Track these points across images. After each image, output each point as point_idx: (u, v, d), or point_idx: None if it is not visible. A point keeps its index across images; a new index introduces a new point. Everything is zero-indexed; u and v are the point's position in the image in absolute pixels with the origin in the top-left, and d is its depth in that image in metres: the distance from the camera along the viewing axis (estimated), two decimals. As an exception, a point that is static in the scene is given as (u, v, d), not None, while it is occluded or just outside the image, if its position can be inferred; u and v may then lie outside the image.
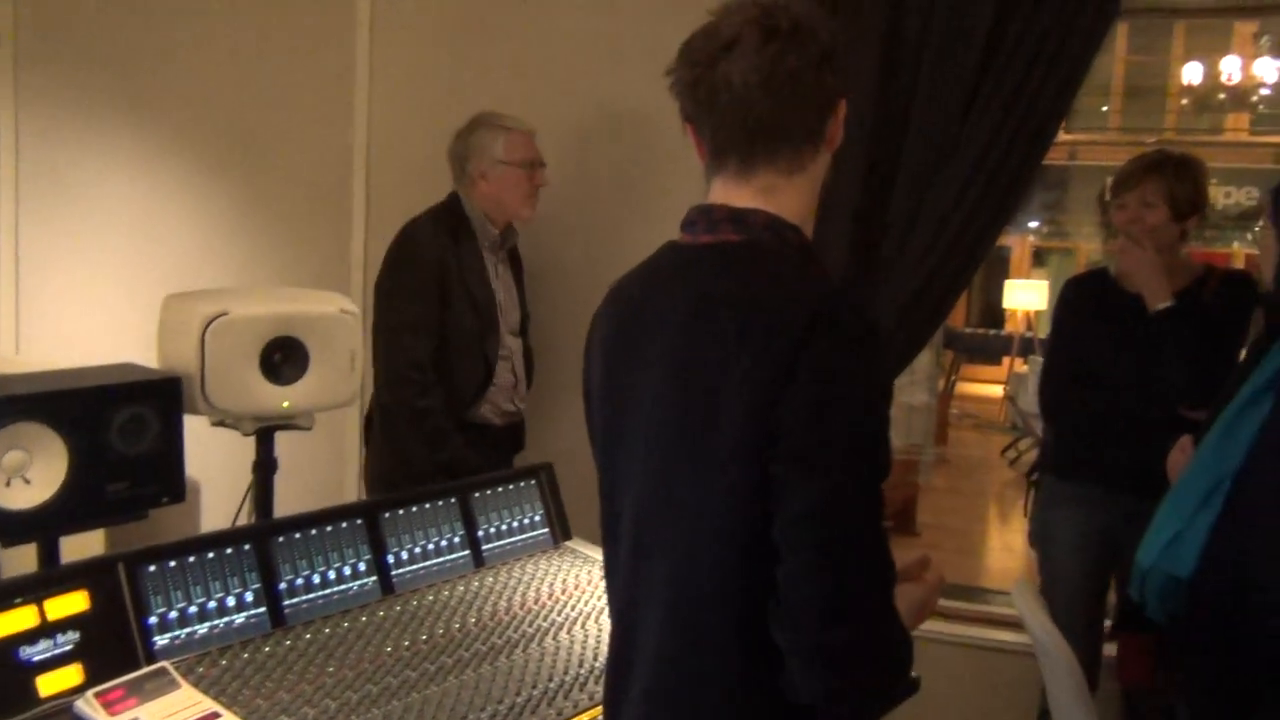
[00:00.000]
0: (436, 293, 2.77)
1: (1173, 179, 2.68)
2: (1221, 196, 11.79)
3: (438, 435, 2.75)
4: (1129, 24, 8.42)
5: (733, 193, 1.24)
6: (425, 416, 2.74)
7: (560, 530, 2.24)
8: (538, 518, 2.21)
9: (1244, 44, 11.33)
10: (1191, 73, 11.40)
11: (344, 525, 1.91)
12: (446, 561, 2.04)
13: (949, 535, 6.89)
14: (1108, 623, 2.79)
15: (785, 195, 1.23)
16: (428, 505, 2.05)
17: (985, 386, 12.00)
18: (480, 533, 2.11)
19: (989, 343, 11.72)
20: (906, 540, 6.59)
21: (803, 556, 1.10)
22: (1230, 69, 11.06)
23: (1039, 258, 14.30)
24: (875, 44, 2.71)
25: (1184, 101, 11.98)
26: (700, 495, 1.17)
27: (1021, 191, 2.69)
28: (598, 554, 2.07)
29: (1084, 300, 2.91)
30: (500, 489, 2.18)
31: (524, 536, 2.18)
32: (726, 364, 1.14)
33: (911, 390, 7.55)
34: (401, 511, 2.00)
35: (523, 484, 2.22)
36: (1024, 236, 14.22)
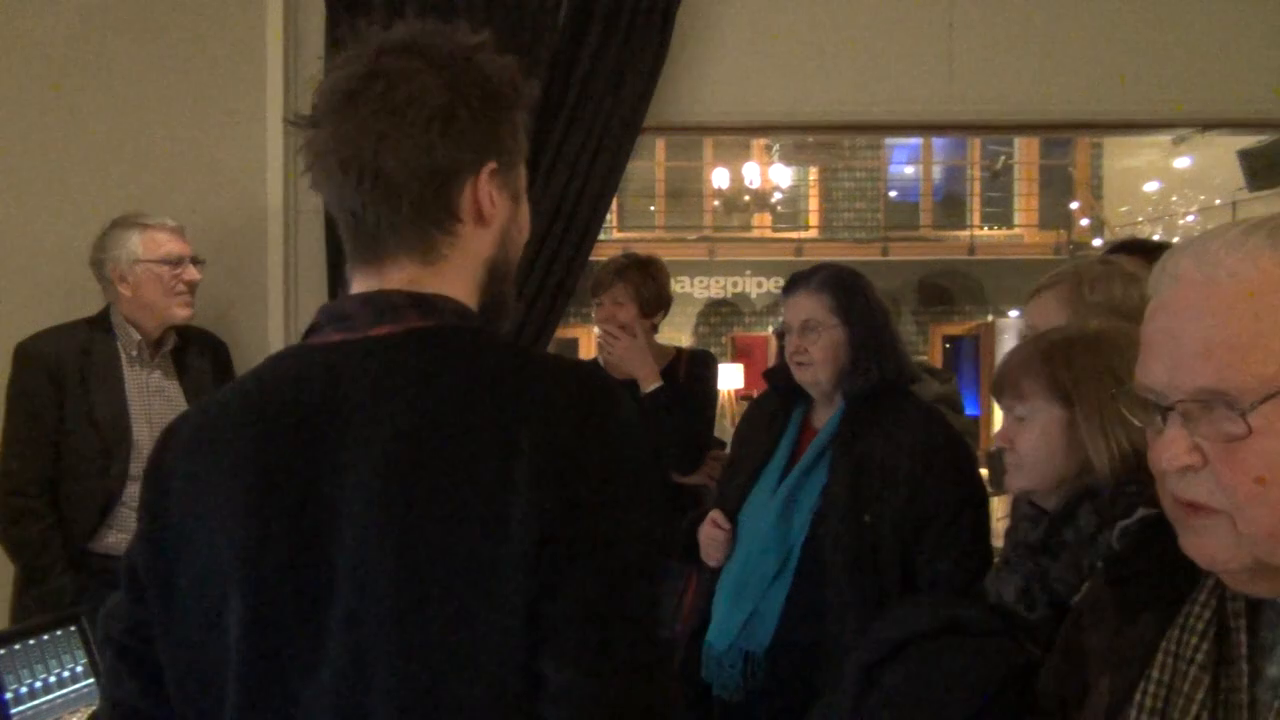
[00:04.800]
0: (48, 410, 2.49)
1: (638, 281, 2.98)
2: (755, 286, 13.20)
3: (34, 570, 2.46)
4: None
5: (371, 285, 1.02)
6: (20, 549, 2.48)
7: (109, 680, 2.00)
8: (79, 669, 1.96)
9: (760, 153, 12.91)
10: (719, 178, 12.82)
11: None
12: (-34, 735, 1.75)
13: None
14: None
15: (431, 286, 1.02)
16: (-64, 672, 1.75)
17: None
18: (9, 695, 1.83)
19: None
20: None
21: None
22: (751, 175, 12.56)
23: (604, 347, 15.18)
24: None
25: (716, 203, 13.40)
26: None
27: (573, 284, 2.87)
28: (153, 699, 1.88)
29: None
30: (32, 641, 1.91)
31: (63, 692, 1.92)
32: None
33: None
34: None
35: (59, 633, 1.96)
36: (589, 327, 15.09)
